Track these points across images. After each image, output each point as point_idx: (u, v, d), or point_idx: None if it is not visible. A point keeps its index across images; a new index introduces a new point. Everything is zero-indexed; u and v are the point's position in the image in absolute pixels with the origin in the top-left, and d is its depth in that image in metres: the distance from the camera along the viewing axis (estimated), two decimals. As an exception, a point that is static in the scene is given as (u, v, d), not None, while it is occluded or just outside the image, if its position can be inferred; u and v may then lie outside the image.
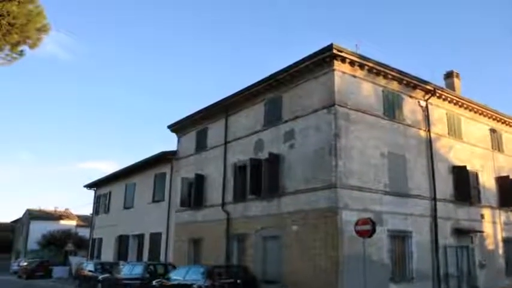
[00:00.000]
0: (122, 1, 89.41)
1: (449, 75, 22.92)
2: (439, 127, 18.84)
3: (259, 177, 17.78)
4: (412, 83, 17.75)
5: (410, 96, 17.92)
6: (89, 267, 24.57)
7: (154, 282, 16.77)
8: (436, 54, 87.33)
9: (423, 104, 18.28)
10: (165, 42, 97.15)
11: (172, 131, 25.16)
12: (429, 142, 18.00)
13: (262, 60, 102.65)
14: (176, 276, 16.29)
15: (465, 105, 20.22)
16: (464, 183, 18.80)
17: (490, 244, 19.68)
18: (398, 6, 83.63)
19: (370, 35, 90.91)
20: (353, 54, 15.84)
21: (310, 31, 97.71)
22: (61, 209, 56.67)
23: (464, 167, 18.95)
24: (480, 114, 21.07)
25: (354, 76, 16.09)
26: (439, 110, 19.10)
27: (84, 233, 44.46)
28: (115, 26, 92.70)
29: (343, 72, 15.77)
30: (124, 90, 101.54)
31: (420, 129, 17.99)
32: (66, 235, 47.23)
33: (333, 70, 15.50)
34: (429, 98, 18.48)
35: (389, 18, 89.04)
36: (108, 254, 30.75)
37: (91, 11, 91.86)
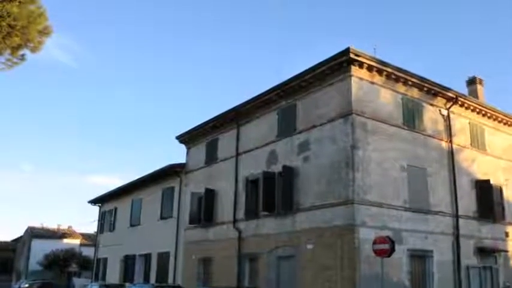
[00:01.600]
0: (126, 2, 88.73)
1: (472, 82, 22.47)
2: (461, 138, 18.43)
3: (273, 192, 17.39)
4: (433, 90, 17.39)
5: (431, 105, 17.58)
6: (93, 289, 24.29)
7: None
8: (453, 58, 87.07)
9: (444, 112, 17.94)
10: (165, 43, 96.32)
11: (181, 142, 24.83)
12: (451, 154, 17.63)
13: (265, 63, 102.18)
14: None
15: (489, 114, 19.80)
16: (487, 198, 18.35)
17: (515, 264, 19.60)
18: (402, 6, 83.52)
19: (374, 36, 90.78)
20: (371, 58, 15.51)
21: (311, 32, 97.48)
22: (64, 226, 56.42)
23: (488, 181, 18.50)
24: (504, 124, 20.64)
25: (372, 82, 15.77)
26: (461, 119, 18.72)
27: (89, 252, 44.04)
28: (118, 29, 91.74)
29: (361, 78, 15.46)
30: (128, 96, 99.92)
31: (442, 140, 17.61)
32: (70, 255, 46.93)
33: (350, 76, 15.20)
34: (451, 106, 18.14)
35: (394, 18, 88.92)
36: (113, 275, 30.31)
37: (92, 12, 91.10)
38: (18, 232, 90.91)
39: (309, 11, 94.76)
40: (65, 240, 52.46)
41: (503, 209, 19.38)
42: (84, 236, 54.74)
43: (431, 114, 17.62)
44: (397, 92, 16.52)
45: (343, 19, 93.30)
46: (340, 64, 15.44)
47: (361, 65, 15.39)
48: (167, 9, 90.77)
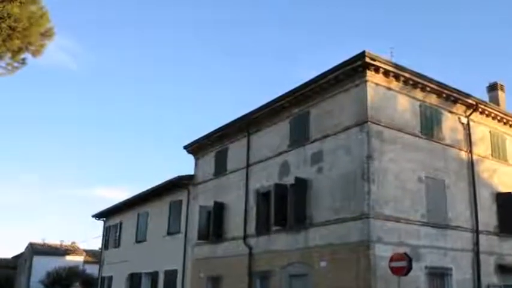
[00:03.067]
0: (129, 3, 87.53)
1: (493, 87, 22.13)
2: (481, 148, 18.10)
3: (285, 206, 17.08)
4: (453, 97, 17.07)
5: (450, 112, 17.26)
6: (97, 310, 23.86)
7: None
8: (471, 62, 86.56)
9: (464, 120, 17.61)
10: (166, 44, 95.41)
11: (189, 152, 24.57)
12: (471, 165, 17.33)
13: (273, 66, 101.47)
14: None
15: (510, 123, 19.45)
16: (509, 212, 17.91)
17: (538, 283, 19.51)
18: (410, 6, 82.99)
19: (378, 37, 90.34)
20: (388, 63, 15.22)
21: (314, 34, 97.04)
22: (67, 242, 56.12)
23: (509, 193, 18.10)
24: (526, 132, 20.14)
25: (389, 88, 15.48)
26: (482, 127, 18.39)
27: (93, 270, 43.62)
28: (121, 31, 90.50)
29: (377, 84, 15.17)
30: (132, 103, 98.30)
31: (461, 150, 17.25)
32: (73, 273, 46.23)
33: (366, 81, 14.92)
34: (471, 113, 17.81)
35: (403, 19, 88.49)
36: (118, 295, 29.68)
37: (94, 12, 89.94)
38: (19, 248, 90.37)
39: (311, 12, 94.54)
40: (68, 257, 51.94)
41: (525, 223, 19.32)
42: (88, 252, 54.30)
43: (450, 122, 17.29)
44: (415, 99, 16.21)
45: (344, 20, 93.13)
46: (355, 69, 15.14)
47: (377, 69, 15.08)
48: (169, 11, 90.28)
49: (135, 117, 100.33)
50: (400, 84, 15.96)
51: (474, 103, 17.97)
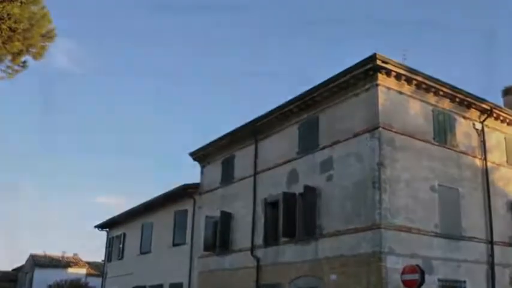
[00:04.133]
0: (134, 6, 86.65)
1: (508, 91, 21.95)
2: (496, 155, 17.83)
3: (293, 216, 16.83)
4: (466, 101, 16.83)
5: (464, 117, 17.04)
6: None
7: None
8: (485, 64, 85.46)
9: (478, 126, 17.40)
10: (168, 44, 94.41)
11: (195, 159, 24.34)
12: (485, 173, 17.11)
13: (278, 68, 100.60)
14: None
15: None
16: None
17: (555, 297, 19.40)
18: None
19: (380, 38, 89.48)
20: (400, 66, 14.99)
21: (314, 34, 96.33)
22: (69, 254, 55.53)
23: None
24: (541, 138, 20.70)
25: (400, 92, 15.27)
26: (497, 133, 18.14)
27: (96, 283, 43.18)
28: (125, 33, 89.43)
29: (388, 88, 14.98)
30: (135, 108, 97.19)
31: (475, 157, 16.99)
32: (75, 286, 45.65)
33: (377, 85, 14.74)
34: (485, 119, 17.57)
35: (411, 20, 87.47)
36: (123, 309, 29.04)
37: (95, 12, 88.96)
38: (20, 261, 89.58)
39: (311, 12, 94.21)
40: (70, 270, 51.31)
41: (542, 234, 19.16)
42: (91, 264, 53.84)
43: (464, 128, 17.04)
44: (428, 103, 15.95)
45: (344, 20, 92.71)
46: (366, 72, 14.94)
47: (388, 73, 14.85)
48: (171, 12, 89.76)
49: (137, 121, 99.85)
50: (412, 88, 15.78)
51: (489, 108, 17.70)
